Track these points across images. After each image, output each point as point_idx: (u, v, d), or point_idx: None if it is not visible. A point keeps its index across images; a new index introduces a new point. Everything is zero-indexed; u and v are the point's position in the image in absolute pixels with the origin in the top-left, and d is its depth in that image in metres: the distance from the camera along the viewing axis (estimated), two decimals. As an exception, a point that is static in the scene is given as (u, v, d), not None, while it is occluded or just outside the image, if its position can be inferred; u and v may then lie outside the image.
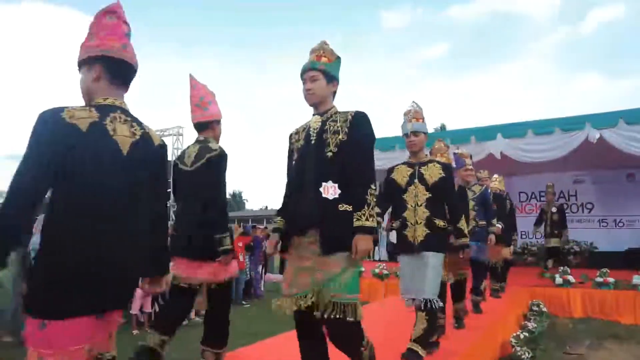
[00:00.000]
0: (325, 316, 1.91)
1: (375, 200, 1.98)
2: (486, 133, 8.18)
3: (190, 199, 2.76)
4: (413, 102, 3.14)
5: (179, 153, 2.82)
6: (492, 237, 4.79)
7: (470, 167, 4.55)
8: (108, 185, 1.47)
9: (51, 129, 1.41)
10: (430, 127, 4.13)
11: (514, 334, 4.31)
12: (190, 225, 2.71)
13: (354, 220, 1.93)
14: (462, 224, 3.17)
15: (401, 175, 3.04)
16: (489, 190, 5.21)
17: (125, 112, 1.60)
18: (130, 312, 5.77)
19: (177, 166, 2.85)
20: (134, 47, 1.69)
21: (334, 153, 2.04)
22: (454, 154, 4.45)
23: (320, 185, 2.00)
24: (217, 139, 2.87)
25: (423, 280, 2.82)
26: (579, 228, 10.24)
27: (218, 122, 2.89)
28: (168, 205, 1.96)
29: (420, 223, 2.87)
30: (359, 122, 2.09)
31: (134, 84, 1.71)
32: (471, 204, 4.47)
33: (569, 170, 10.27)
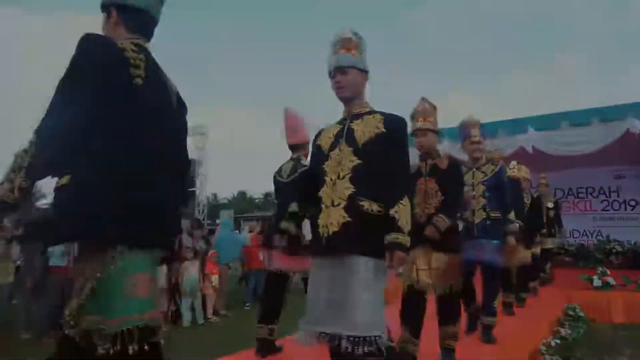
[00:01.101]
0: None
1: (30, 153, 1.24)
2: (516, 126, 7.71)
3: (287, 204, 3.11)
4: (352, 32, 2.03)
5: (277, 168, 3.52)
6: (512, 238, 3.61)
7: (477, 139, 3.55)
8: None
9: None
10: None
11: (544, 341, 3.96)
12: None
13: None
14: (400, 209, 1.79)
15: (327, 137, 2.03)
16: (504, 173, 3.80)
17: None
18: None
19: (276, 178, 3.50)
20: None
21: None
22: (461, 123, 3.63)
23: None
24: (306, 156, 3.43)
25: (346, 302, 1.72)
26: (621, 226, 9.71)
27: (307, 143, 3.45)
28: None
29: (338, 205, 1.81)
30: None
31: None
32: (481, 188, 3.46)
33: (610, 165, 9.63)
